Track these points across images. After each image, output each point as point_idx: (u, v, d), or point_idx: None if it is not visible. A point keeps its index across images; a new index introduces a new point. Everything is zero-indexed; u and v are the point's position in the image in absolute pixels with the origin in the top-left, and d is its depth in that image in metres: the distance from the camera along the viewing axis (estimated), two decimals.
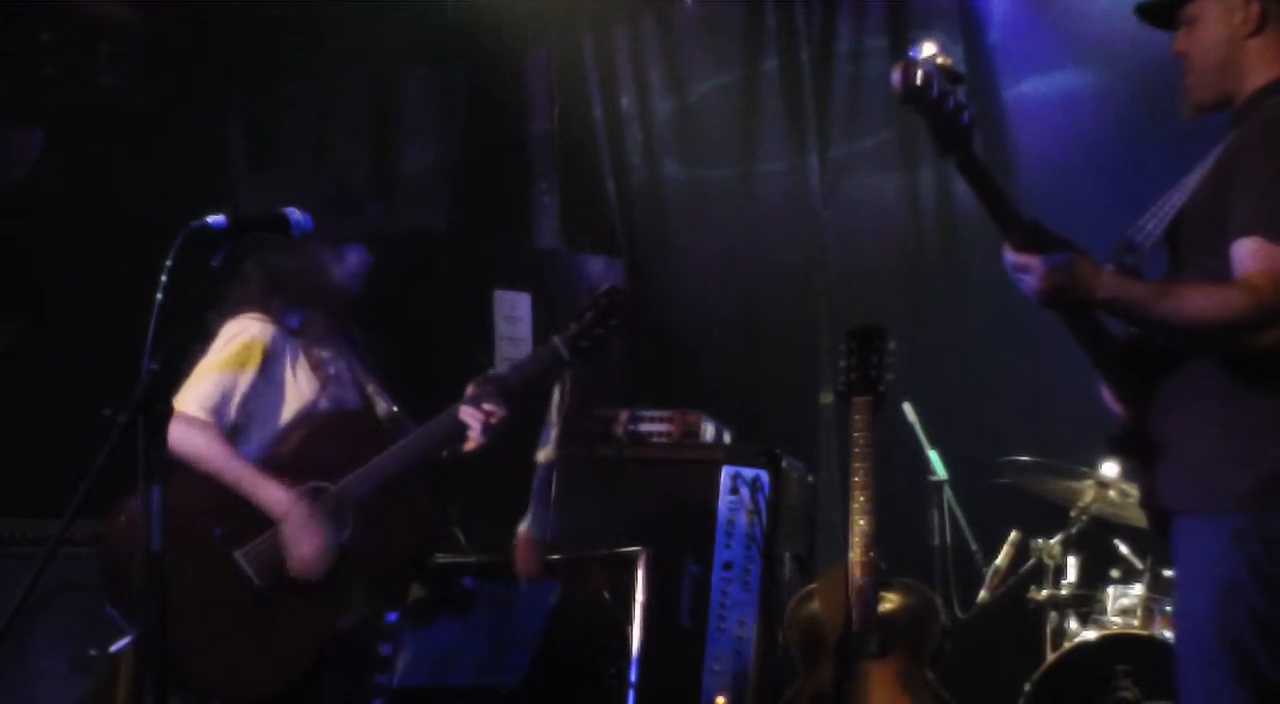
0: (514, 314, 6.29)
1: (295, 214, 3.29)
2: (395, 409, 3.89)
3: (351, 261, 3.81)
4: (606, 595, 4.60)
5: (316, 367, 3.74)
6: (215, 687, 3.59)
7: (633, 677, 4.29)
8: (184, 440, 3.58)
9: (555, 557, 4.92)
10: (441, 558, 4.60)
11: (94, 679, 4.62)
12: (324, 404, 3.71)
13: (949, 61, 2.61)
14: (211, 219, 3.09)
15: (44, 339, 5.39)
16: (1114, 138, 5.86)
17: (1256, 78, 3.02)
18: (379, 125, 6.95)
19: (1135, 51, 5.60)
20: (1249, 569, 2.84)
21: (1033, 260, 2.81)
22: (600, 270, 6.74)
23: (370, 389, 3.86)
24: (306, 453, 3.65)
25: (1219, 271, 2.87)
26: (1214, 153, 2.99)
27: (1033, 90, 6.11)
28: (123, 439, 2.81)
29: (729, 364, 6.61)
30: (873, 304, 6.09)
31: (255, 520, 3.58)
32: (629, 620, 4.44)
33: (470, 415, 3.67)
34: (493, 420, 3.68)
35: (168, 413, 2.86)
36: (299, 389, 3.70)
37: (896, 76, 2.56)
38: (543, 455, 4.00)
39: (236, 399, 3.65)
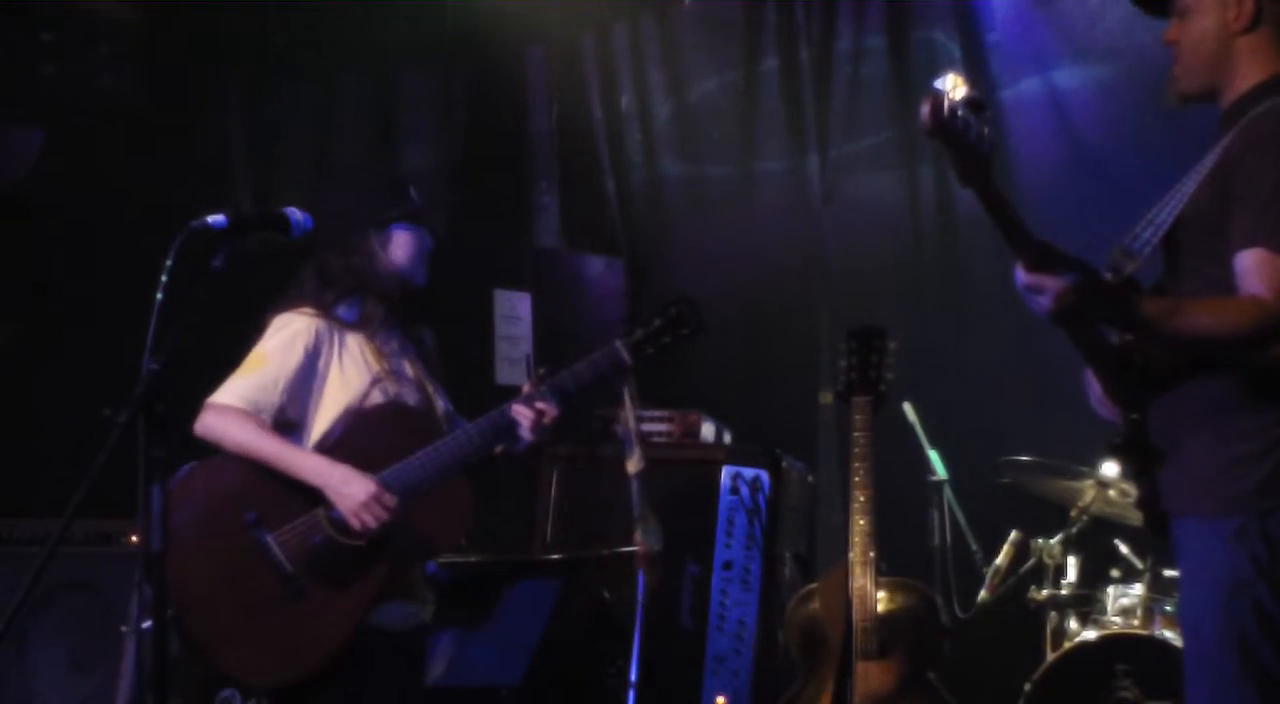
0: (514, 314, 6.29)
1: (295, 214, 3.29)
2: (451, 409, 3.86)
3: (400, 244, 3.76)
4: (606, 595, 4.60)
5: (371, 360, 3.70)
6: (238, 670, 3.58)
7: (633, 677, 4.28)
8: (214, 426, 3.59)
9: (555, 557, 4.93)
10: (441, 558, 4.61)
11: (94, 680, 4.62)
12: (376, 398, 3.67)
13: (974, 92, 2.63)
14: (211, 219, 3.10)
15: (44, 339, 5.40)
16: (1112, 138, 5.86)
17: (1247, 76, 3.02)
18: (379, 125, 6.96)
19: (1134, 52, 5.61)
20: (1253, 568, 2.84)
21: (1045, 280, 2.80)
22: (600, 270, 6.75)
23: (430, 388, 3.83)
24: (352, 444, 3.61)
25: (1220, 278, 2.87)
26: (1210, 157, 2.98)
27: (1031, 90, 6.11)
28: (123, 439, 2.82)
29: (729, 364, 6.61)
30: (873, 304, 6.09)
31: (290, 507, 3.56)
32: (629, 620, 4.44)
33: (522, 414, 3.64)
34: (545, 420, 3.65)
35: (168, 412, 2.86)
36: (347, 382, 3.66)
37: (925, 110, 2.58)
38: (631, 467, 3.98)
39: (278, 390, 3.62)
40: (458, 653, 4.49)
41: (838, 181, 6.54)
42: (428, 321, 3.97)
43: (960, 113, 2.60)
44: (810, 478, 5.50)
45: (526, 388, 3.70)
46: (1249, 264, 2.81)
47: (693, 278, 6.76)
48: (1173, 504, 3.00)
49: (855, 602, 4.50)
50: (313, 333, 3.67)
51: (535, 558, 5.00)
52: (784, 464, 5.11)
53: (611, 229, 7.05)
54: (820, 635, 4.68)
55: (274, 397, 3.62)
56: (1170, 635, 4.59)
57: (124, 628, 4.48)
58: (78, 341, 5.29)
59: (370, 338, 3.75)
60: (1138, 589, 4.82)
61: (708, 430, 5.31)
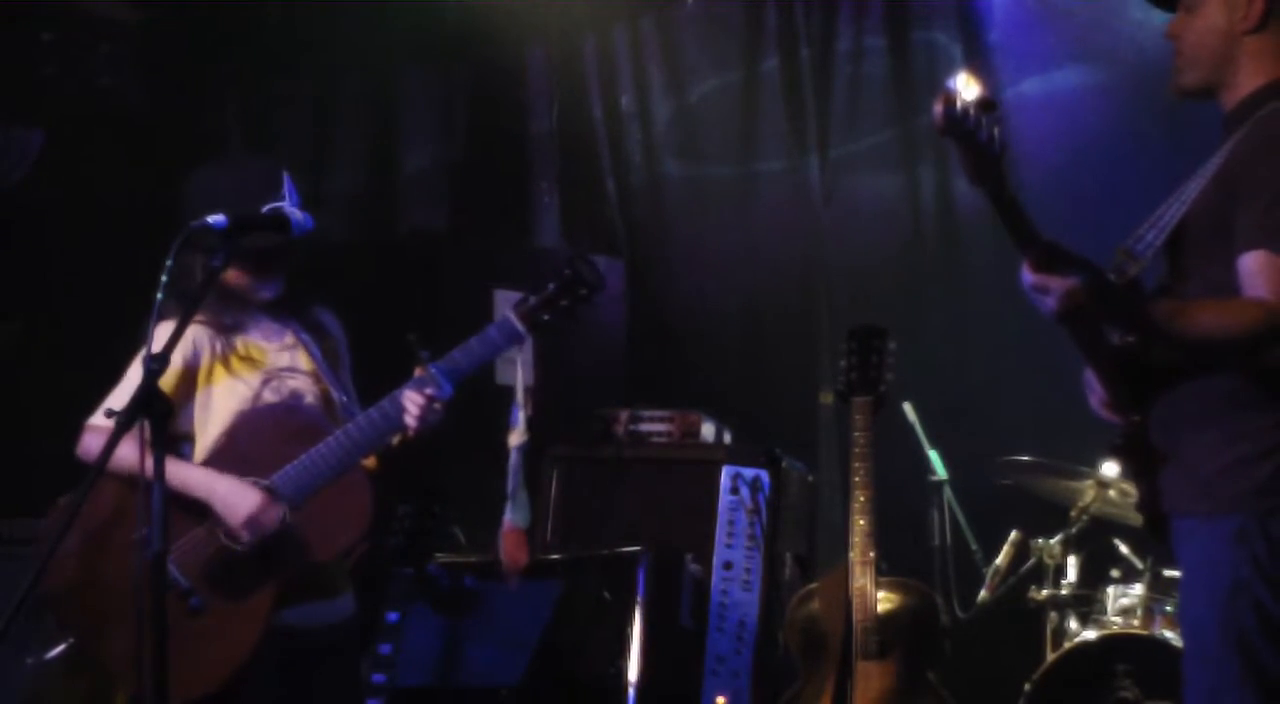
0: None
1: (295, 213, 3.29)
2: (347, 399, 3.76)
3: (230, 275, 3.54)
4: (606, 595, 4.60)
5: (260, 359, 3.61)
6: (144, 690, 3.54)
7: (633, 677, 4.29)
8: (93, 447, 3.49)
9: (555, 557, 4.92)
10: (441, 558, 4.60)
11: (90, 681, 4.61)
12: (268, 397, 3.59)
13: (985, 92, 2.64)
14: (211, 219, 3.09)
15: (44, 339, 5.40)
16: (1113, 138, 5.86)
17: (1252, 77, 3.01)
18: (379, 125, 6.96)
19: (1135, 52, 5.61)
20: (1254, 569, 2.84)
21: (1051, 281, 2.80)
22: (600, 270, 6.74)
23: (326, 382, 3.71)
24: (238, 450, 3.52)
25: (1223, 281, 2.87)
26: (1215, 159, 2.98)
27: (1032, 90, 6.11)
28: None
29: (729, 364, 6.61)
30: (873, 304, 6.09)
31: (181, 520, 3.45)
32: (629, 620, 4.44)
33: (412, 400, 3.51)
34: (436, 405, 3.53)
35: (168, 412, 2.86)
36: (236, 385, 3.58)
37: (938, 108, 2.58)
38: (514, 439, 3.83)
39: None
40: (458, 653, 4.49)
41: (838, 181, 6.54)
42: (428, 323, 3.90)
43: (972, 112, 2.60)
44: (810, 478, 5.50)
45: (417, 372, 3.57)
46: (1252, 266, 2.81)
47: (693, 277, 6.78)
48: (1173, 504, 3.00)
49: (855, 602, 4.50)
50: (190, 342, 3.56)
51: (535, 558, 4.99)
52: (784, 464, 5.11)
53: (611, 229, 7.05)
54: (820, 635, 4.68)
55: None
56: (1170, 635, 4.59)
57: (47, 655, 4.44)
58: (78, 342, 5.28)
59: (260, 336, 3.66)
60: (1138, 589, 4.82)
61: (708, 430, 5.31)
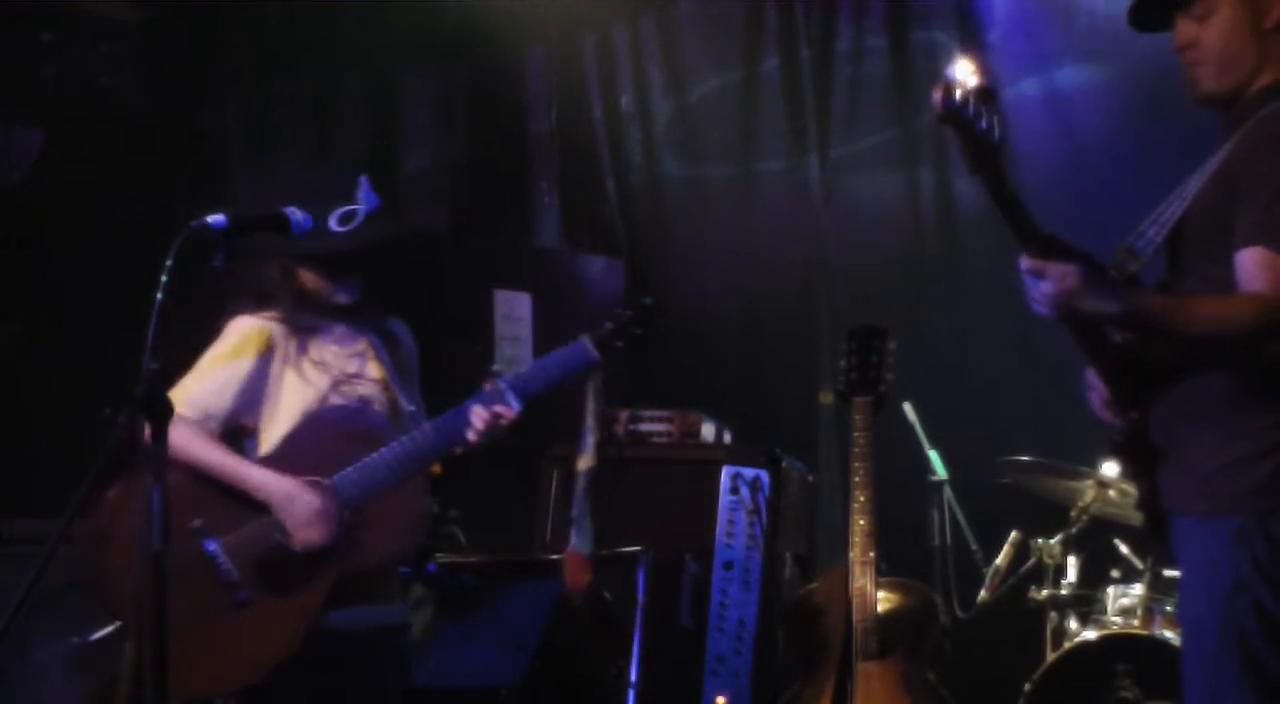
0: (514, 314, 6.29)
1: (295, 213, 3.28)
2: (415, 409, 3.78)
3: (308, 278, 3.63)
4: (606, 595, 4.60)
5: (331, 363, 3.64)
6: (179, 678, 3.54)
7: (633, 677, 4.29)
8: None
9: (556, 557, 4.92)
10: (441, 558, 4.60)
11: (96, 680, 4.62)
12: (335, 400, 3.62)
13: (984, 80, 2.63)
14: (211, 219, 3.09)
15: (44, 339, 5.40)
16: (1113, 138, 5.86)
17: (1263, 76, 3.00)
18: (379, 125, 6.96)
19: (1135, 51, 5.60)
20: (1254, 569, 2.85)
21: (1047, 265, 2.80)
22: (600, 270, 6.75)
23: (395, 390, 3.73)
24: (302, 452, 3.55)
25: (1223, 278, 2.88)
26: (1215, 157, 2.98)
27: (1032, 90, 6.11)
28: (123, 439, 2.82)
29: (729, 364, 6.61)
30: (873, 304, 6.09)
31: (239, 512, 3.49)
32: (629, 620, 4.44)
33: (479, 416, 3.55)
34: (502, 423, 3.56)
35: (168, 412, 2.86)
36: (305, 387, 3.61)
37: (937, 96, 2.58)
38: (582, 463, 3.87)
39: (228, 397, 3.56)
40: (458, 653, 4.49)
41: (838, 181, 6.54)
42: (428, 323, 3.91)
43: (972, 101, 2.60)
44: (810, 478, 5.50)
45: (488, 387, 3.60)
46: (1249, 263, 2.82)
47: (693, 278, 6.78)
48: (1173, 503, 3.00)
49: (855, 602, 4.50)
50: (264, 339, 3.59)
51: (535, 558, 5.00)
52: (784, 464, 5.11)
53: (611, 229, 7.05)
54: (820, 636, 4.68)
55: (224, 403, 3.56)
56: (1170, 635, 4.59)
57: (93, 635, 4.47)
58: (78, 341, 5.28)
59: (333, 340, 3.68)
60: (1138, 589, 4.82)
61: (708, 430, 5.31)
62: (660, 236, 6.96)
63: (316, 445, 3.55)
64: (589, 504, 3.84)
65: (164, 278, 2.95)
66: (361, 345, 3.74)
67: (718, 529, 4.96)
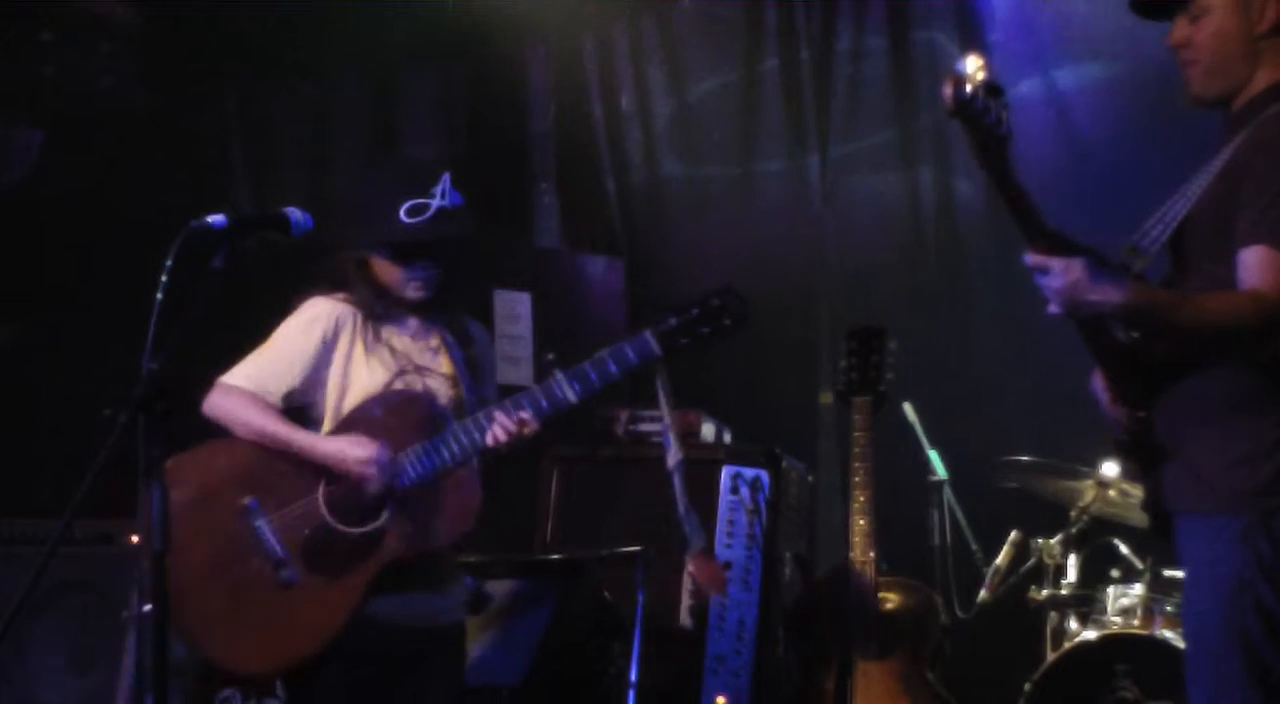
0: (514, 314, 6.29)
1: (295, 213, 3.28)
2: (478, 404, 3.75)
3: (382, 268, 3.66)
4: (606, 595, 4.60)
5: (401, 352, 3.65)
6: (223, 657, 3.52)
7: (633, 677, 4.28)
8: (219, 405, 3.56)
9: (555, 557, 4.92)
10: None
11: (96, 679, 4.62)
12: (399, 388, 3.62)
13: (991, 75, 2.64)
14: (211, 219, 3.09)
15: (44, 339, 5.40)
16: (1113, 138, 5.86)
17: (1263, 77, 3.01)
18: (379, 125, 6.96)
19: (1134, 52, 5.61)
20: (1258, 567, 2.85)
21: (1052, 260, 2.81)
22: (600, 270, 6.74)
23: (463, 386, 3.72)
24: (364, 428, 3.54)
25: (1225, 278, 2.89)
26: (1218, 157, 2.98)
27: (1032, 90, 6.11)
28: (123, 439, 2.82)
29: (729, 364, 6.61)
30: (873, 304, 6.09)
31: (287, 491, 3.51)
32: (629, 620, 4.43)
33: (501, 421, 3.53)
34: (525, 430, 3.54)
35: (168, 412, 2.86)
36: (371, 372, 3.61)
37: (947, 90, 2.59)
38: (671, 459, 3.83)
39: (289, 374, 3.58)
40: None
41: (838, 181, 6.54)
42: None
43: (981, 95, 2.61)
44: (810, 478, 5.50)
45: (557, 377, 3.56)
46: (1251, 261, 2.84)
47: (693, 278, 6.77)
48: (1177, 502, 3.00)
49: (855, 602, 4.50)
50: (333, 319, 3.62)
51: (535, 558, 5.00)
52: (784, 464, 5.11)
53: (611, 229, 7.05)
54: (820, 636, 4.68)
55: (284, 379, 3.58)
56: (1170, 635, 4.59)
57: (125, 613, 4.49)
58: (78, 341, 5.28)
59: (406, 332, 3.70)
60: (1138, 589, 4.82)
61: (708, 430, 5.31)
62: (660, 236, 6.96)
63: (374, 427, 3.55)
64: (688, 499, 3.82)
65: (164, 278, 2.95)
66: (435, 340, 3.75)
67: (718, 529, 4.96)
